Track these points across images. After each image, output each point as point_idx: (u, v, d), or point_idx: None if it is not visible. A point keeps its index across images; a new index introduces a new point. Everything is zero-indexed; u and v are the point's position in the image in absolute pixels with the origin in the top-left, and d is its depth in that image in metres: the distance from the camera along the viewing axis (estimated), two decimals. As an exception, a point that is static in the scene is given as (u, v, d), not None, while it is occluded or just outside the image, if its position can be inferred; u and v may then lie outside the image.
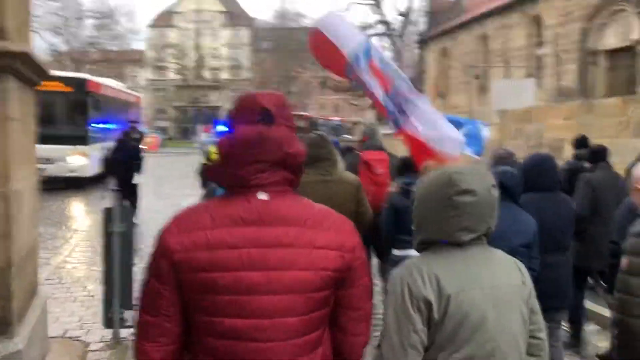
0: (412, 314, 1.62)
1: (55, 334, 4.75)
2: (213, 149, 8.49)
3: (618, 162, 5.64)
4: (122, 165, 10.27)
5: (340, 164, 4.72)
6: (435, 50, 28.99)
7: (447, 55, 27.94)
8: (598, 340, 5.07)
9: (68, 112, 15.86)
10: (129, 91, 24.92)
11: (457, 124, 8.96)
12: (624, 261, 2.32)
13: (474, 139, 8.77)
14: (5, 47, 3.22)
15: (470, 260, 1.69)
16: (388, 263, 4.58)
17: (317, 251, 1.49)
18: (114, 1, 63.29)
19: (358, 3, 39.06)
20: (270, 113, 1.52)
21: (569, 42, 18.10)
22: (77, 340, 4.86)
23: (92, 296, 5.99)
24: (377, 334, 1.72)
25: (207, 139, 26.77)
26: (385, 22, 39.22)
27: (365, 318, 1.64)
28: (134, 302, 3.90)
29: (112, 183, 10.42)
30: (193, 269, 1.45)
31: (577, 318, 4.89)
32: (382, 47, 36.87)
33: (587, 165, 5.36)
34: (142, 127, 20.81)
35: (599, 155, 5.12)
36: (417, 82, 30.39)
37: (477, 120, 8.34)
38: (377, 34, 40.14)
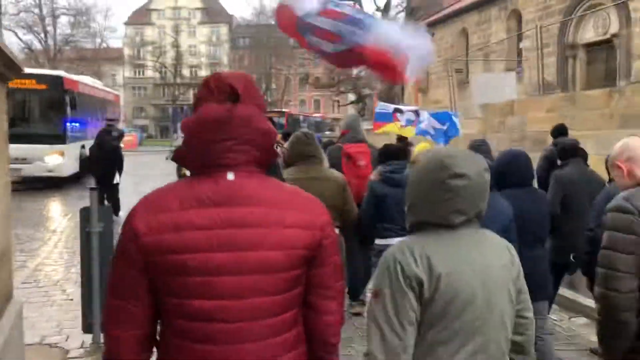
0: (407, 292, 1.64)
1: (32, 340, 4.58)
2: None
3: (603, 155, 5.62)
4: (103, 165, 10.17)
5: (326, 161, 4.78)
6: (416, 45, 28.96)
7: (427, 50, 27.92)
8: (589, 333, 5.05)
9: (45, 110, 15.54)
10: (107, 89, 24.53)
11: (443, 119, 9.05)
12: (604, 236, 2.33)
13: (443, 134, 8.83)
14: (-28, 39, 3.04)
15: (461, 241, 1.72)
16: (371, 253, 4.58)
17: (286, 230, 1.49)
18: (89, -2, 62.51)
19: (337, -1, 38.86)
20: (238, 92, 1.51)
21: (548, 36, 18.17)
22: (56, 346, 4.68)
23: (71, 300, 5.79)
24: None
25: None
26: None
27: (337, 296, 1.64)
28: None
29: (90, 183, 10.25)
30: (161, 251, 1.44)
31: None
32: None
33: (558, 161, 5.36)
34: (120, 126, 20.48)
35: (568, 151, 5.09)
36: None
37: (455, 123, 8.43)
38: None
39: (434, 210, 1.72)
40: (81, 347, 4.61)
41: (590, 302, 5.32)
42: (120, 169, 10.72)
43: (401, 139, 8.73)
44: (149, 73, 65.58)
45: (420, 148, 7.79)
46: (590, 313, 5.26)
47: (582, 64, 17.93)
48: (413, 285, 1.65)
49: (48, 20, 47.47)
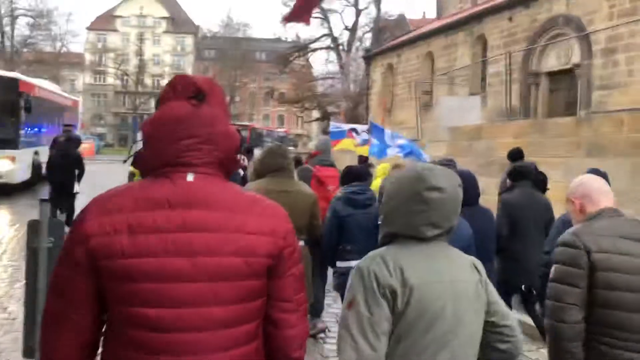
0: (382, 302, 1.65)
1: (-35, 364, 4.16)
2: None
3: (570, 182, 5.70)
4: (63, 172, 9.71)
5: (296, 175, 4.90)
6: (381, 65, 29.20)
7: (392, 72, 28.16)
8: (527, 350, 5.00)
9: (-4, 113, 14.78)
10: (65, 94, 23.73)
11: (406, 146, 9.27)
12: (553, 270, 2.46)
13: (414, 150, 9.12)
14: None
15: (433, 255, 1.74)
16: (333, 275, 4.63)
17: (247, 236, 1.42)
18: (52, 1, 60.98)
19: (306, 15, 39.00)
20: (203, 91, 1.46)
21: (512, 63, 18.52)
22: (-9, 371, 4.27)
23: (13, 319, 5.33)
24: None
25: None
26: (332, 36, 39.41)
27: (297, 309, 1.56)
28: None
29: (43, 192, 9.80)
30: (112, 254, 1.35)
31: None
32: (328, 61, 37.09)
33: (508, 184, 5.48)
34: (77, 133, 19.77)
35: (518, 174, 5.20)
36: (363, 96, 30.56)
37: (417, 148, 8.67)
38: (323, 48, 40.33)
39: (408, 222, 1.74)
40: (20, 373, 4.19)
41: (528, 319, 5.26)
42: (80, 178, 10.26)
43: (362, 160, 8.79)
44: (110, 80, 64.27)
45: (381, 168, 7.92)
46: (527, 330, 5.18)
47: (544, 92, 18.30)
48: (387, 295, 1.65)
49: (6, 21, 46.01)
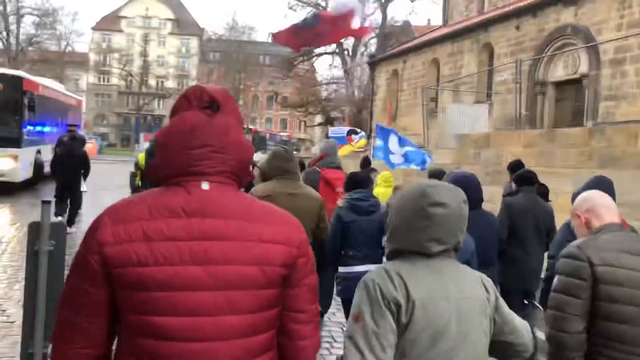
0: (387, 314, 1.66)
1: (-40, 369, 4.03)
2: (142, 156, 8.10)
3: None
4: (69, 171, 9.88)
5: (301, 178, 4.88)
6: (386, 71, 29.12)
7: (397, 78, 28.08)
8: None
9: (0, 111, 14.65)
10: (69, 93, 23.63)
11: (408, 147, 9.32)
12: (555, 280, 2.51)
13: (418, 156, 9.19)
14: None
15: (438, 271, 1.75)
16: (335, 280, 4.61)
17: (262, 245, 1.42)
18: (58, 0, 60.85)
19: (311, 20, 39.03)
20: (217, 101, 1.46)
21: (519, 72, 18.43)
22: (-12, 377, 4.14)
23: (12, 322, 5.18)
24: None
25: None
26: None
27: (311, 320, 1.56)
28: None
29: (45, 191, 9.79)
30: (127, 262, 1.34)
31: None
32: (332, 66, 37.06)
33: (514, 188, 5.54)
34: (80, 132, 19.68)
35: (524, 179, 5.23)
36: (367, 102, 30.47)
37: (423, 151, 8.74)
38: (327, 52, 40.26)
39: (413, 238, 1.76)
40: (18, 380, 4.05)
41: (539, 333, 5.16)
42: (86, 177, 10.37)
43: (366, 163, 8.76)
44: (114, 80, 64.32)
45: (382, 176, 7.91)
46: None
47: (551, 102, 18.19)
48: (392, 308, 1.67)
49: (12, 19, 46.05)
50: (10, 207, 12.83)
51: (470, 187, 3.76)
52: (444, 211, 1.73)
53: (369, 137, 20.23)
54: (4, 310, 5.61)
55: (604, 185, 3.78)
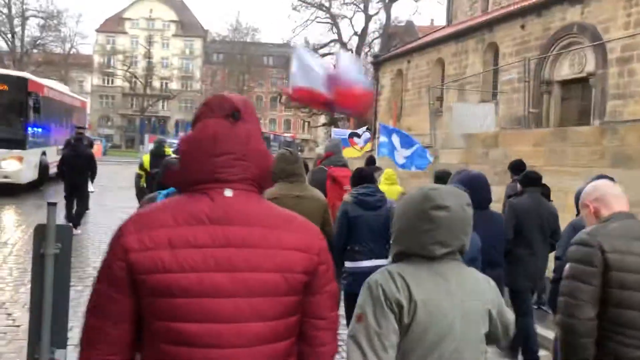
0: (389, 314, 1.69)
1: (-35, 374, 3.97)
2: (147, 157, 8.05)
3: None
4: (76, 173, 9.98)
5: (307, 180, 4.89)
6: (390, 71, 29.03)
7: (402, 77, 27.98)
8: None
9: (5, 112, 14.58)
10: (74, 95, 23.62)
11: (410, 143, 9.36)
12: (566, 267, 2.52)
13: (419, 158, 9.24)
14: None
15: (442, 273, 1.77)
16: (341, 276, 4.61)
17: (284, 252, 1.44)
18: (62, 2, 61.11)
19: (315, 21, 39.00)
20: (238, 109, 1.49)
21: (524, 71, 18.33)
22: (-7, 384, 4.06)
23: (18, 326, 5.11)
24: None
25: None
26: (341, 42, 39.28)
27: (332, 327, 1.58)
28: (74, 340, 3.24)
29: (49, 192, 9.81)
30: (152, 269, 1.36)
31: (529, 346, 4.91)
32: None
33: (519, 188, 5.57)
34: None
35: (530, 180, 5.28)
36: (371, 102, 30.34)
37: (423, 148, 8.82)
38: (332, 53, 40.18)
39: (416, 241, 1.79)
40: (24, 386, 3.99)
41: (550, 334, 5.12)
42: (93, 178, 10.49)
43: (371, 161, 8.80)
44: (118, 82, 64.40)
45: (386, 174, 7.94)
46: (549, 345, 5.12)
47: (557, 101, 18.06)
48: (394, 308, 1.69)
49: (17, 21, 46.15)
50: (16, 209, 12.79)
51: (478, 187, 3.78)
52: (447, 214, 1.76)
53: (373, 135, 20.18)
54: (9, 314, 5.53)
55: None
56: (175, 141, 31.68)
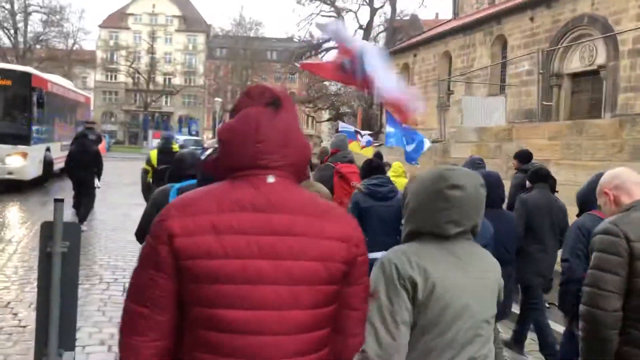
0: (402, 292, 1.71)
1: (-30, 377, 3.80)
2: (154, 153, 7.92)
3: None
4: (83, 169, 10.06)
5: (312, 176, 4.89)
6: (397, 65, 28.78)
7: (408, 71, 27.74)
8: None
9: (8, 108, 14.42)
10: (78, 90, 23.46)
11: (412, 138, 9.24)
12: (592, 257, 2.48)
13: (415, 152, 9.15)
14: None
15: (456, 252, 1.79)
16: None
17: (326, 241, 1.44)
18: (64, -2, 60.97)
19: (320, 15, 38.72)
20: (279, 98, 1.49)
21: (532, 64, 18.09)
22: (-1, 386, 3.88)
23: (24, 327, 4.93)
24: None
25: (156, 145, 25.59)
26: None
27: (363, 318, 1.59)
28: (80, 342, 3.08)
29: (54, 188, 9.74)
30: (196, 254, 1.36)
31: (545, 341, 4.88)
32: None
33: (527, 184, 5.57)
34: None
35: (539, 176, 5.27)
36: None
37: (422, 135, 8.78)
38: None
39: (431, 220, 1.80)
40: (31, 389, 3.82)
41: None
42: (99, 174, 10.49)
43: (377, 157, 8.69)
44: (121, 78, 64.23)
45: (395, 166, 7.89)
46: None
47: (567, 94, 17.83)
48: (407, 286, 1.71)
49: (19, 17, 46.02)
50: (20, 206, 12.63)
51: (491, 186, 3.82)
52: (462, 193, 1.77)
53: (377, 134, 19.96)
54: (15, 314, 5.34)
55: None
56: (181, 137, 31.53)
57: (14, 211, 12.05)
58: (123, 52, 61.89)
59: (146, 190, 7.98)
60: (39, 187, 15.30)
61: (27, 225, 10.15)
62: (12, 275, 6.80)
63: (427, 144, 9.50)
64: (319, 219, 1.46)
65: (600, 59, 16.16)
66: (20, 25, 46.23)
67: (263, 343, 1.37)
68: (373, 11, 37.59)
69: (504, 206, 5.10)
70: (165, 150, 7.91)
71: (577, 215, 4.12)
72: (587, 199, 3.86)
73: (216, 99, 42.23)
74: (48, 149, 16.12)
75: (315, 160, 8.68)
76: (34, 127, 14.77)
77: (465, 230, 1.80)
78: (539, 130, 8.93)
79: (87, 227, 9.89)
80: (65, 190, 10.49)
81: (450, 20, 28.20)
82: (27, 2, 46.10)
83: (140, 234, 4.08)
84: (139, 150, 41.42)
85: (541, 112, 17.05)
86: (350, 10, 39.96)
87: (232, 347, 1.36)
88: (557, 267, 4.65)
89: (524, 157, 7.00)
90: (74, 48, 54.64)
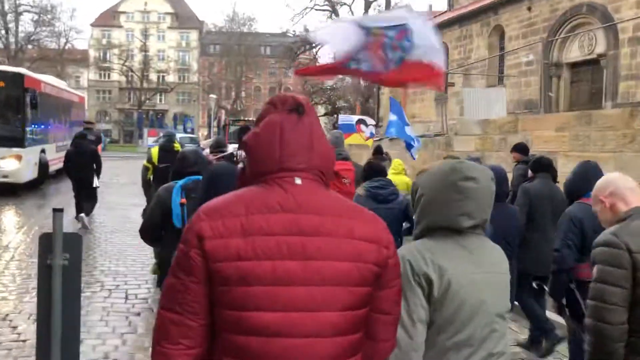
0: (416, 289, 1.69)
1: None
2: (155, 151, 7.79)
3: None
4: (80, 168, 10.10)
5: None
6: (393, 58, 28.56)
7: (404, 64, 27.54)
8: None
9: (2, 110, 14.16)
10: (71, 90, 23.17)
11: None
12: (594, 270, 2.44)
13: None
14: None
15: (468, 246, 1.78)
16: None
17: (356, 242, 1.42)
18: (55, -3, 60.32)
19: (314, 9, 38.46)
20: (302, 104, 1.52)
21: (535, 54, 17.91)
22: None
23: (24, 341, 4.70)
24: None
25: (153, 143, 25.32)
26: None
27: (395, 323, 1.56)
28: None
29: (50, 191, 9.66)
30: (227, 257, 1.35)
31: (537, 323, 4.95)
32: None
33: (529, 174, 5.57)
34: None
35: (541, 166, 5.25)
36: (373, 90, 29.96)
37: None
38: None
39: (444, 213, 1.78)
40: (33, 408, 3.62)
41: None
42: (98, 173, 10.51)
43: (377, 152, 8.77)
44: (115, 76, 63.76)
45: (395, 163, 7.83)
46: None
47: (566, 83, 17.67)
48: (422, 283, 1.69)
49: (10, 17, 45.57)
50: (16, 210, 12.35)
51: (498, 179, 3.68)
52: (475, 185, 1.76)
53: (377, 126, 19.79)
54: (14, 327, 5.08)
55: (592, 169, 3.87)
56: (181, 134, 31.17)
57: (9, 216, 11.77)
58: (116, 51, 61.42)
59: (146, 187, 8.01)
60: (35, 189, 15.04)
61: (24, 230, 9.91)
62: (9, 284, 6.53)
63: (417, 144, 9.53)
64: (348, 219, 1.45)
65: (600, 48, 16.00)
66: (11, 25, 45.82)
67: (296, 345, 1.34)
68: (367, 4, 37.34)
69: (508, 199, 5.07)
70: (166, 148, 7.82)
71: (567, 205, 4.15)
72: (575, 188, 3.90)
73: (211, 95, 41.94)
74: (43, 151, 15.87)
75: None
76: (28, 129, 14.53)
77: (477, 224, 1.79)
78: (545, 122, 8.76)
79: (89, 225, 9.95)
80: (62, 192, 10.27)
81: (445, 12, 27.98)
82: (17, 1, 45.66)
83: (145, 233, 3.92)
84: (134, 149, 41.12)
85: (542, 102, 16.91)
86: (345, 4, 39.66)
87: (261, 351, 1.34)
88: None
89: (523, 149, 7.05)
90: (66, 47, 54.21)
